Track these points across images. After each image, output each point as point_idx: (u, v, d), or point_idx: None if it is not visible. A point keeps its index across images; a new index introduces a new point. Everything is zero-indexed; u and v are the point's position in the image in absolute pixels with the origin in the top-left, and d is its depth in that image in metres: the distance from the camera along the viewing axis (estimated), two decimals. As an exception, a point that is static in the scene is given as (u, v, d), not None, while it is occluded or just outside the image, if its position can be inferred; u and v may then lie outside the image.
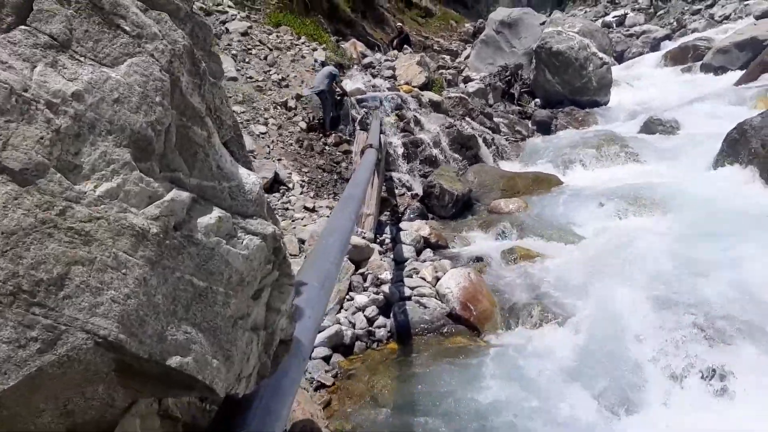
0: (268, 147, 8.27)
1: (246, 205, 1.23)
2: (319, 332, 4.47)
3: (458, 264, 5.90)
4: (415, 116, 9.81)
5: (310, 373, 4.13)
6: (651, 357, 4.04)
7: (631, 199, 7.36)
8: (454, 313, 4.86)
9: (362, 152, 6.61)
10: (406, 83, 11.54)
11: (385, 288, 5.20)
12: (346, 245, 2.64)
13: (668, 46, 22.58)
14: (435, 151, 9.32)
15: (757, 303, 4.65)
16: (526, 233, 6.76)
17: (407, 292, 5.13)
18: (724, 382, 3.79)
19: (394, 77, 11.99)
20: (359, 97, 9.75)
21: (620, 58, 22.69)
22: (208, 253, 1.11)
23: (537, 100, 14.97)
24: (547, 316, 4.69)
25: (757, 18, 21.45)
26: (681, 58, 19.46)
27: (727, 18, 26.89)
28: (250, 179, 1.26)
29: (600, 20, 34.42)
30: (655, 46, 23.68)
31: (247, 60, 10.26)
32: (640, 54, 22.94)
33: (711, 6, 30.59)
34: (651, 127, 11.08)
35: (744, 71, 15.52)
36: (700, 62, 17.83)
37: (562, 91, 14.93)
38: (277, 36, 11.89)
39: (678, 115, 11.73)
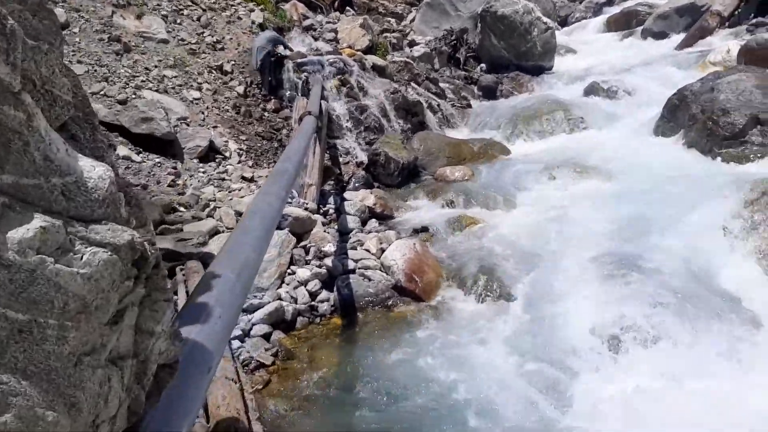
0: (203, 113, 7.81)
1: (89, 207, 0.94)
2: (259, 308, 4.26)
3: (404, 234, 5.74)
4: (358, 81, 9.49)
5: (248, 352, 3.91)
6: (591, 326, 4.00)
7: (576, 166, 7.38)
8: (399, 285, 4.72)
9: (300, 120, 6.29)
10: (349, 47, 11.14)
11: (329, 261, 4.99)
12: (271, 227, 2.37)
13: (610, 11, 22.78)
14: (380, 118, 9.06)
15: (693, 267, 4.73)
16: (472, 202, 6.66)
17: (351, 264, 4.94)
18: (661, 344, 3.81)
19: (336, 40, 11.55)
20: (300, 60, 9.32)
21: (564, 23, 22.80)
22: (26, 277, 0.84)
23: (483, 65, 14.81)
24: (492, 286, 4.61)
25: (695, -16, 21.81)
26: (623, 23, 19.69)
27: (665, -16, 27.33)
28: (96, 172, 0.97)
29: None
30: (597, 11, 23.83)
31: (178, 21, 9.62)
32: (583, 19, 23.09)
33: (650, -28, 31.12)
34: (594, 92, 11.12)
35: (684, 36, 15.83)
36: (641, 27, 18.08)
37: (507, 55, 14.82)
38: (211, -5, 11.22)
39: (621, 80, 11.82)
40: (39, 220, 0.86)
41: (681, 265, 4.73)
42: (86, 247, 0.92)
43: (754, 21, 14.81)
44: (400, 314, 4.45)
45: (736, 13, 15.88)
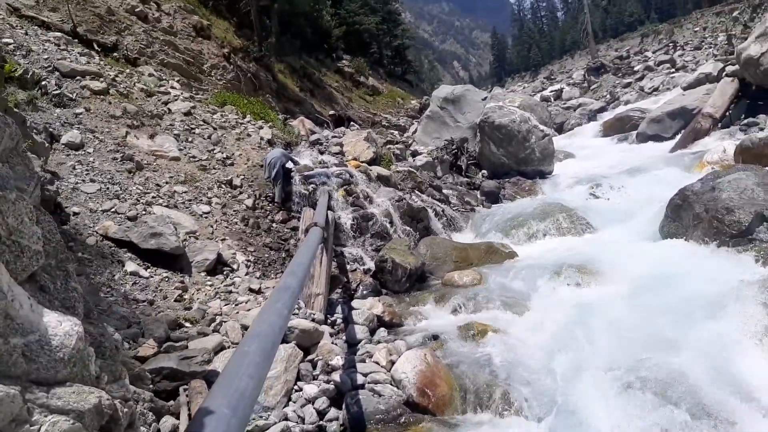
0: (212, 227, 7.93)
1: (53, 368, 0.85)
2: (265, 430, 4.05)
3: (414, 343, 5.58)
4: (364, 191, 9.71)
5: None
6: None
7: (584, 269, 7.30)
8: (411, 401, 4.50)
9: (307, 231, 6.36)
10: (354, 159, 11.52)
11: (336, 376, 4.82)
12: (271, 351, 2.25)
13: (604, 117, 23.78)
14: (386, 225, 9.17)
15: (716, 376, 4.49)
16: (482, 307, 6.54)
17: (360, 379, 4.76)
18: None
19: (342, 153, 11.97)
20: (306, 173, 9.61)
21: (560, 129, 23.72)
22: None
23: (484, 171, 15.24)
24: (508, 400, 4.39)
25: (685, 89, 22.89)
26: (617, 127, 20.48)
27: (656, 90, 28.78)
28: (62, 328, 0.87)
29: (538, 94, 36.29)
30: (592, 117, 24.88)
31: (190, 139, 10.05)
32: (579, 125, 24.03)
33: (640, 79, 32.82)
34: (596, 194, 11.32)
35: (678, 138, 16.35)
36: (636, 131, 18.75)
37: (507, 162, 15.28)
38: (221, 115, 11.79)
39: (620, 182, 12.10)
40: None
41: (702, 376, 4.50)
42: (45, 416, 0.81)
43: (745, 121, 15.34)
44: (413, 432, 4.21)
45: (728, 114, 16.49)
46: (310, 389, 4.55)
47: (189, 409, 3.91)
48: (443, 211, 10.69)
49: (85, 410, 0.85)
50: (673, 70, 32.74)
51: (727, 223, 7.46)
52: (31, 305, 0.84)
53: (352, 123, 17.12)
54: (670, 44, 44.23)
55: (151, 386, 4.08)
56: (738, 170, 8.61)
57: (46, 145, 6.79)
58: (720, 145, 12.86)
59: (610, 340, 5.33)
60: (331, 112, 19.81)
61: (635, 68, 36.87)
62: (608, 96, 30.59)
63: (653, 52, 43.16)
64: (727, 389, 4.23)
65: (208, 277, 6.85)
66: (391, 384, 4.67)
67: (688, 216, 8.14)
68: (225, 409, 1.57)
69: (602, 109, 26.90)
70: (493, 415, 4.33)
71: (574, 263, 7.56)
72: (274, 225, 8.77)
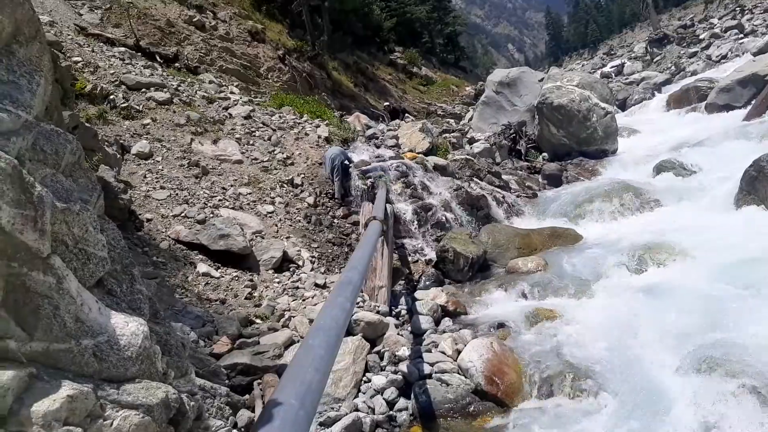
0: (276, 226, 8.16)
1: (122, 366, 0.91)
2: (337, 420, 4.16)
3: (479, 332, 5.57)
4: (421, 182, 9.72)
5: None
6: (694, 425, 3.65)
7: (654, 249, 7.03)
8: (479, 389, 4.50)
9: (366, 225, 6.45)
10: (410, 150, 11.54)
11: (404, 366, 4.88)
12: (335, 344, 2.31)
13: (670, 89, 22.70)
14: (446, 214, 9.16)
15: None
16: (548, 293, 6.45)
17: (427, 369, 4.80)
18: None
19: (398, 146, 12.02)
20: (364, 168, 9.72)
21: (623, 106, 22.84)
22: None
23: (545, 154, 14.91)
24: (579, 385, 4.32)
25: (755, 54, 21.59)
26: (684, 100, 19.51)
27: (724, 57, 27.23)
28: (129, 328, 0.94)
29: (598, 71, 35.05)
30: (656, 91, 23.82)
31: (251, 142, 10.35)
32: (643, 100, 23.06)
33: (707, 48, 31.13)
34: (664, 171, 10.88)
35: (750, 107, 15.42)
36: (704, 102, 17.81)
37: (568, 143, 14.89)
38: (279, 117, 12.07)
39: (690, 156, 11.54)
40: (67, 389, 0.82)
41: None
42: (117, 411, 0.87)
43: (824, 84, 14.27)
44: (485, 421, 4.21)
45: (805, 77, 15.42)
46: (378, 380, 4.63)
47: (263, 402, 4.08)
48: (503, 197, 10.55)
49: (154, 404, 0.92)
50: (742, 35, 30.80)
51: (810, 192, 7.03)
52: (99, 308, 0.91)
53: (407, 114, 17.13)
54: (738, 8, 41.62)
55: (227, 381, 4.27)
56: (819, 136, 8.09)
57: (118, 156, 7.19)
58: (798, 111, 12.07)
59: (681, 319, 5.15)
60: (386, 104, 19.87)
61: (701, 36, 34.94)
62: (673, 68, 29.14)
63: (719, 18, 40.74)
64: None
65: (275, 275, 7.06)
66: (458, 373, 4.68)
67: (764, 187, 7.73)
68: (293, 400, 1.64)
69: (667, 82, 25.67)
70: (565, 399, 4.27)
71: (643, 243, 7.31)
72: (335, 221, 8.93)
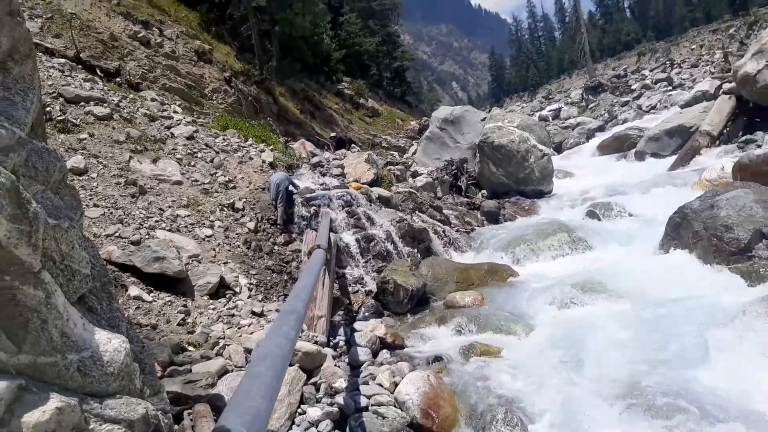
0: (214, 250, 7.98)
1: (104, 381, 0.94)
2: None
3: (417, 365, 5.61)
4: (365, 212, 9.78)
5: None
6: None
7: (585, 287, 7.32)
8: (415, 422, 4.51)
9: (310, 253, 6.42)
10: (355, 180, 11.61)
11: (340, 398, 4.83)
12: (282, 371, 2.29)
13: (603, 136, 23.93)
14: (387, 246, 9.22)
15: (720, 392, 4.52)
16: (484, 327, 6.57)
17: (364, 401, 4.77)
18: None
19: (343, 175, 12.07)
20: (308, 195, 9.70)
21: (559, 149, 23.87)
22: None
23: (484, 191, 15.32)
24: (511, 420, 4.40)
25: (682, 107, 23.04)
26: (616, 146, 20.61)
27: (653, 108, 28.99)
28: (112, 345, 0.98)
29: (537, 114, 36.57)
30: (590, 136, 25.05)
31: (192, 163, 10.15)
32: (577, 144, 24.17)
33: (638, 97, 33.10)
34: (596, 213, 11.38)
35: (676, 156, 16.43)
36: (634, 150, 18.86)
37: (507, 182, 15.38)
38: (223, 139, 11.92)
39: (620, 200, 12.16)
40: (55, 401, 0.84)
41: (708, 390, 4.54)
42: (101, 425, 0.90)
43: (743, 138, 15.41)
44: (418, 454, 4.23)
45: (725, 131, 16.56)
46: (313, 412, 4.56)
47: (194, 433, 3.93)
48: (444, 231, 10.75)
49: (135, 419, 0.95)
50: (671, 88, 33.04)
51: (727, 240, 7.51)
52: (83, 324, 0.94)
53: (352, 145, 17.28)
54: (667, 62, 44.69)
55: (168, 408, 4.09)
56: (736, 188, 8.68)
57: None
58: (718, 163, 12.93)
59: (613, 356, 5.37)
60: (332, 134, 19.96)
61: (633, 87, 37.19)
62: (606, 115, 30.81)
63: (650, 71, 43.56)
64: (735, 402, 4.25)
65: (211, 301, 6.88)
66: (395, 406, 4.68)
67: (688, 234, 8.19)
68: (241, 428, 1.60)
69: (600, 128, 27.08)
70: (497, 435, 4.34)
71: (575, 282, 7.59)
72: (276, 248, 8.82)
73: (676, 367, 4.85)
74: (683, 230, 8.33)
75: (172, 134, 10.99)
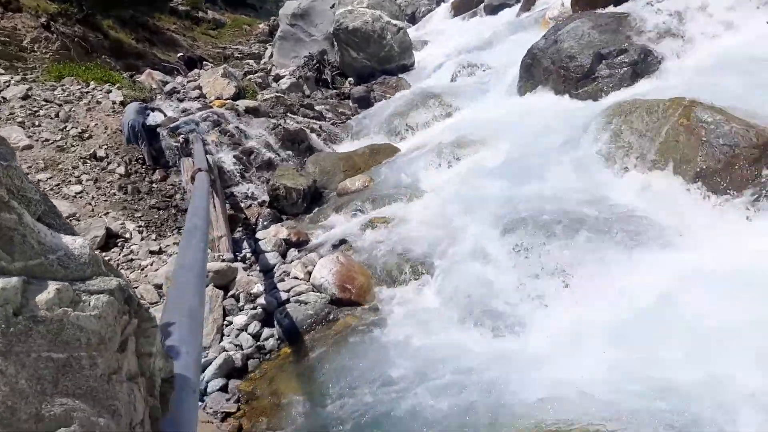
0: (90, 204, 7.59)
1: (82, 270, 1.22)
2: (208, 365, 4.26)
3: (325, 252, 5.88)
4: (237, 127, 9.54)
5: (211, 407, 3.92)
6: (510, 281, 4.36)
7: (460, 144, 7.81)
8: (335, 298, 4.88)
9: (193, 178, 6.30)
10: (218, 98, 11.16)
11: (261, 300, 5.04)
12: (202, 276, 2.48)
13: (451, -4, 24.08)
14: (269, 155, 9.16)
15: (584, 196, 5.23)
16: (378, 203, 6.89)
17: (284, 296, 5.03)
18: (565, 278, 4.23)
19: (203, 96, 11.53)
20: (172, 125, 9.26)
21: (413, 19, 23.85)
22: (57, 326, 1.10)
23: (350, 78, 15.25)
24: (418, 270, 4.88)
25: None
26: (466, 5, 20.91)
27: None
28: (77, 243, 1.25)
29: (384, -9, 35.83)
30: (440, 0, 25.13)
31: (37, 123, 9.28)
32: (430, 11, 24.24)
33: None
34: (458, 73, 11.79)
35: (521, 3, 17.03)
36: (482, 5, 19.29)
37: (370, 64, 15.36)
38: (63, 89, 10.89)
39: (478, 56, 12.64)
40: (53, 285, 1.12)
41: (573, 197, 5.21)
42: (90, 296, 1.18)
43: (576, -29, 16.00)
44: (344, 324, 4.60)
45: (559, -32, 17.10)
46: (239, 319, 4.76)
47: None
48: (320, 127, 10.76)
49: (113, 288, 1.23)
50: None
51: (572, 69, 8.17)
52: (51, 233, 1.19)
53: (204, 62, 16.34)
54: None
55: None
56: (574, 19, 9.29)
57: None
58: (558, 0, 13.61)
59: (494, 195, 5.95)
60: (179, 55, 18.69)
61: (468, -58, 37.03)
62: (450, -24, 30.78)
63: None
64: (590, 200, 4.96)
65: (104, 253, 6.65)
66: (314, 291, 4.98)
67: (539, 72, 8.80)
68: (182, 318, 1.86)
69: (448, -10, 27.12)
70: (406, 286, 4.83)
71: (451, 141, 8.04)
72: (154, 185, 8.50)
73: (542, 185, 5.52)
74: (534, 69, 8.92)
75: (4, 98, 9.89)
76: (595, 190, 5.34)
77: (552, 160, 6.11)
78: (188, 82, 12.53)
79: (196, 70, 14.37)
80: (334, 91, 14.17)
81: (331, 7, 17.29)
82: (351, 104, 13.09)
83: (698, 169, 5.10)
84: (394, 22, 15.76)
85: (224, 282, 5.36)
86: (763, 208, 4.57)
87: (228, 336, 4.64)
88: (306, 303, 4.77)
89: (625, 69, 7.79)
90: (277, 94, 11.83)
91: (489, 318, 4.09)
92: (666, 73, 7.58)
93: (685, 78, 7.05)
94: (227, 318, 4.88)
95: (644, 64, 7.77)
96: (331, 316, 4.71)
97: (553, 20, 12.48)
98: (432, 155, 7.90)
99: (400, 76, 14.83)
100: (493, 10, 18.42)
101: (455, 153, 7.72)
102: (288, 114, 10.91)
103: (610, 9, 9.41)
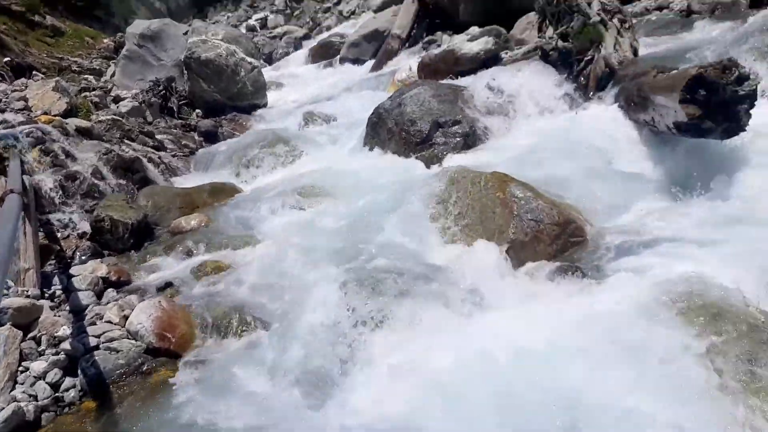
0: None
1: None
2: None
3: (147, 296, 5.54)
4: (63, 148, 8.76)
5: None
6: (336, 325, 4.53)
7: (303, 192, 7.91)
8: (151, 347, 4.57)
9: (2, 200, 5.65)
10: (45, 113, 10.18)
11: (66, 345, 4.59)
12: None
13: (310, 44, 24.63)
14: (96, 182, 8.51)
15: (410, 252, 5.58)
16: (213, 246, 6.70)
17: (94, 341, 4.62)
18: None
19: (28, 108, 10.46)
20: (-15, 137, 8.26)
21: (270, 60, 23.96)
22: None
23: (198, 110, 14.80)
24: (246, 321, 4.80)
25: (375, 12, 24.68)
26: (323, 53, 21.50)
27: (353, 13, 30.50)
28: None
29: (244, 24, 35.74)
30: (297, 45, 25.59)
31: None
32: (287, 54, 24.53)
33: (338, 3, 34.37)
34: (309, 121, 12.01)
35: (374, 60, 17.91)
36: (338, 56, 19.98)
37: (221, 98, 15.06)
38: None
39: (330, 107, 13.00)
40: None
41: (403, 254, 5.54)
42: None
43: (427, 39, 17.38)
44: (159, 377, 4.33)
45: (412, 33, 18.39)
46: (37, 365, 4.28)
47: None
48: (159, 157, 10.26)
49: None
50: (366, -9, 34.91)
51: (412, 133, 8.76)
52: None
53: (34, 72, 14.87)
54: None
55: None
56: (418, 85, 10.00)
57: None
58: (407, 64, 14.56)
59: (331, 246, 6.08)
60: (6, 59, 16.84)
61: (333, -9, 38.32)
62: (311, 22, 31.55)
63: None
64: (416, 259, 5.33)
65: None
66: (128, 338, 4.64)
67: (384, 131, 9.29)
68: None
69: (307, 36, 27.71)
70: (234, 338, 4.72)
71: (294, 189, 8.10)
72: (-47, 203, 7.46)
73: (375, 238, 5.84)
74: (380, 128, 9.40)
75: None
76: (422, 251, 5.71)
77: (388, 217, 6.42)
78: (13, 91, 11.32)
79: (23, 79, 13.03)
80: (180, 121, 13.64)
81: (184, 33, 16.78)
82: (196, 137, 12.69)
83: (510, 240, 5.69)
84: (249, 59, 15.70)
85: (26, 321, 4.82)
86: (565, 277, 5.17)
87: (22, 384, 4.15)
88: (118, 351, 4.43)
89: (458, 139, 8.53)
90: (115, 117, 11.11)
91: (313, 377, 4.12)
92: (492, 147, 8.40)
93: (507, 154, 7.84)
94: (24, 363, 4.37)
95: (474, 137, 8.59)
96: (146, 368, 4.41)
97: (401, 82, 13.28)
98: (275, 201, 7.91)
99: (251, 114, 14.74)
100: (348, 62, 19.15)
101: (299, 201, 7.80)
102: (125, 140, 10.29)
103: (451, 80, 10.31)
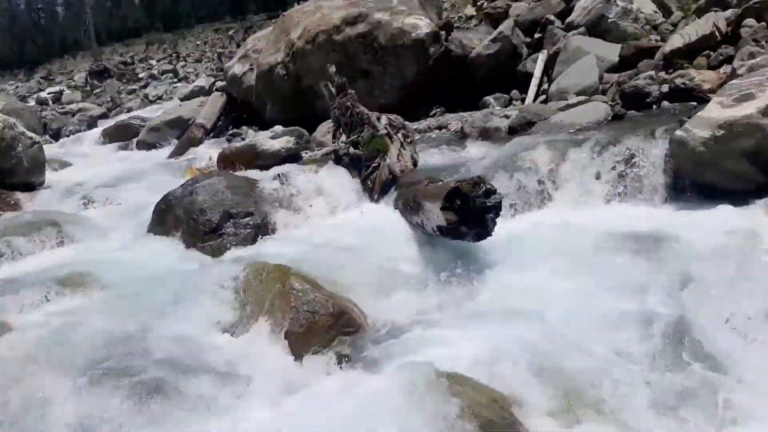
0: None
1: None
2: None
3: None
4: None
5: None
6: None
7: (68, 282, 7.12)
8: None
9: None
10: None
11: None
12: None
13: (106, 123, 23.41)
14: None
15: (186, 359, 5.23)
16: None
17: None
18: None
19: None
20: None
21: (57, 136, 22.23)
22: None
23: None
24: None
25: (182, 100, 24.52)
26: (119, 135, 20.51)
27: (160, 98, 29.95)
28: None
29: (35, 96, 33.02)
30: (92, 124, 24.18)
31: None
32: (78, 132, 22.98)
33: (145, 87, 33.56)
34: (89, 204, 11.16)
35: (174, 147, 17.53)
36: (136, 139, 19.20)
37: (-13, 173, 13.36)
38: None
39: (116, 190, 12.26)
40: None
41: (169, 349, 5.16)
42: None
43: (231, 131, 17.61)
44: None
45: (218, 125, 18.53)
46: None
47: None
48: None
49: None
50: (176, 80, 34.69)
51: (201, 222, 8.54)
52: None
53: None
54: (174, 54, 46.71)
55: None
56: (213, 175, 9.91)
57: None
58: (207, 153, 14.45)
59: (94, 347, 5.43)
60: None
61: (140, 75, 37.50)
62: (111, 102, 30.14)
63: (158, 61, 44.71)
64: (190, 357, 4.99)
65: None
66: None
67: (171, 219, 8.94)
68: None
69: (104, 116, 26.29)
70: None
71: (58, 277, 7.29)
72: None
73: (146, 340, 5.38)
74: (167, 216, 9.04)
75: None
76: (198, 343, 5.41)
77: (164, 309, 6.00)
78: None
79: None
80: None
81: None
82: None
83: (288, 330, 5.68)
84: (30, 134, 14.34)
85: None
86: (338, 367, 5.25)
87: None
88: None
89: (249, 230, 8.52)
90: None
91: None
92: (282, 239, 8.50)
93: (296, 247, 7.95)
94: None
95: (265, 229, 8.66)
96: None
97: (199, 171, 13.05)
98: (31, 288, 7.01)
99: (25, 193, 13.23)
100: (145, 147, 18.47)
101: (60, 291, 6.99)
102: None
103: (247, 172, 10.40)
